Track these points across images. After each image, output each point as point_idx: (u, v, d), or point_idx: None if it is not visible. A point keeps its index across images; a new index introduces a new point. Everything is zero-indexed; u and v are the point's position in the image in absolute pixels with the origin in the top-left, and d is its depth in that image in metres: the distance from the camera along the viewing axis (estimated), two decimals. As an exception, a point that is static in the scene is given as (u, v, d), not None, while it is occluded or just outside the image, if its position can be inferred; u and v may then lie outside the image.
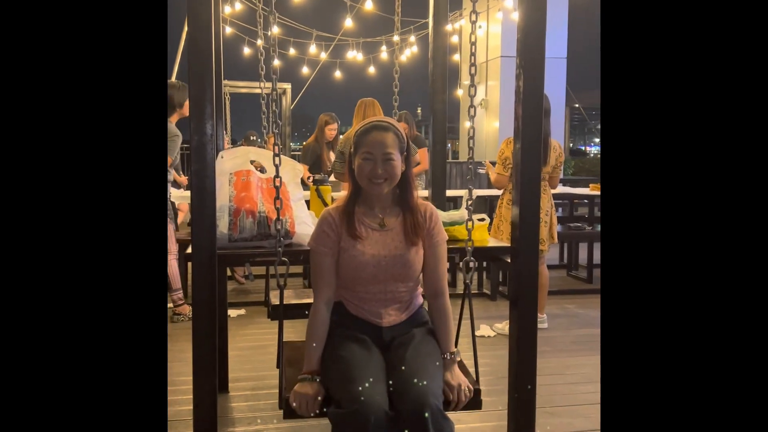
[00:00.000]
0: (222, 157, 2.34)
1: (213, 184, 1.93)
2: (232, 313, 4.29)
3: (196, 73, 1.87)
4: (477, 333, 3.89)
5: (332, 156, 5.64)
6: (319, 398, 1.74)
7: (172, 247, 4.03)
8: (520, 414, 2.15)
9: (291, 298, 3.03)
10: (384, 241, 1.86)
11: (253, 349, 3.57)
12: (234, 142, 9.21)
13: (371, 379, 1.67)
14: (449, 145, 11.85)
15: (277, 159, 1.92)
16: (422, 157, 4.61)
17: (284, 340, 1.97)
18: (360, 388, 1.63)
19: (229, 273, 5.16)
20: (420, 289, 1.99)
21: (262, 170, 2.54)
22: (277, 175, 1.90)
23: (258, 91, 9.45)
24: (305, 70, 8.80)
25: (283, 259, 1.91)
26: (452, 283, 5.27)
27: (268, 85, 1.96)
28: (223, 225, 2.19)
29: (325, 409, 1.73)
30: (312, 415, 1.74)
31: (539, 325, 3.97)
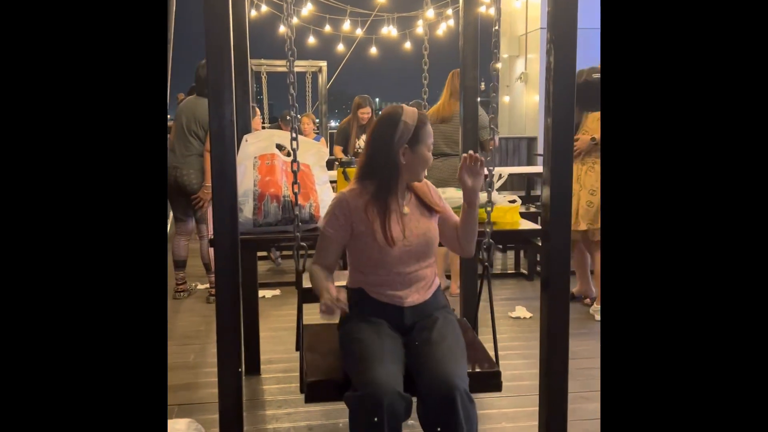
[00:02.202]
0: (246, 141, 2.31)
1: (233, 170, 1.90)
2: (267, 293, 4.31)
3: (213, 57, 1.83)
4: (512, 314, 3.82)
5: (362, 141, 5.56)
6: (341, 297, 1.70)
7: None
8: (551, 400, 2.09)
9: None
10: (405, 223, 1.88)
11: (286, 330, 3.58)
12: (274, 120, 9.22)
13: (385, 362, 1.70)
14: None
15: (294, 143, 1.89)
16: None
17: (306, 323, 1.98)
18: (373, 371, 1.66)
19: (265, 253, 5.19)
20: (436, 269, 2.01)
21: (290, 154, 2.51)
22: (294, 159, 1.87)
23: (296, 69, 9.46)
24: (341, 47, 8.72)
25: (302, 244, 1.91)
26: (489, 262, 5.19)
27: (298, 63, 1.91)
28: (247, 210, 2.17)
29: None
30: (342, 309, 1.69)
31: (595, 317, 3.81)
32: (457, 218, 1.98)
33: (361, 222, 1.84)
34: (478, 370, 1.86)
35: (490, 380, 1.87)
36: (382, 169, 1.85)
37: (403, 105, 1.89)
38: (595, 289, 4.01)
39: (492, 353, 1.96)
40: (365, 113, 5.48)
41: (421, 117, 1.86)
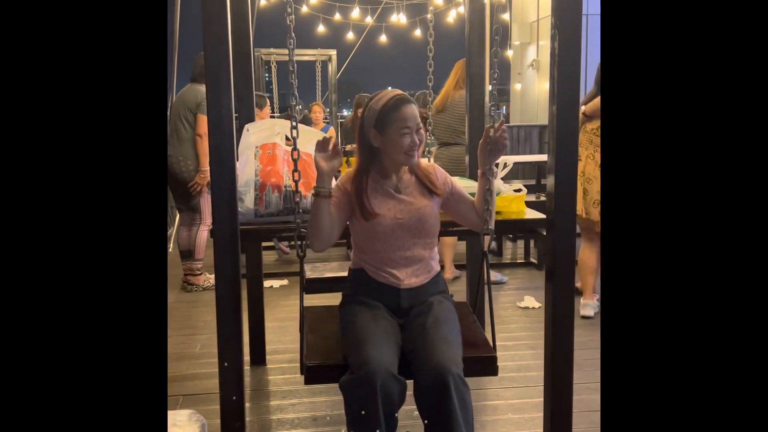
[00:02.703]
0: (248, 130, 2.29)
1: (232, 159, 1.88)
2: (275, 283, 4.31)
3: (211, 43, 1.81)
4: (521, 304, 3.79)
5: None
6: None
7: (208, 219, 4.07)
8: (556, 390, 2.07)
9: (327, 271, 3.00)
10: (399, 200, 1.90)
11: (293, 321, 3.57)
12: (284, 110, 9.19)
13: (378, 344, 1.71)
14: (503, 108, 11.51)
15: (294, 131, 1.87)
16: None
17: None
18: (366, 353, 1.66)
19: (273, 243, 5.17)
20: (438, 256, 2.02)
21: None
22: (294, 148, 1.85)
23: (306, 58, 9.26)
24: (350, 35, 8.65)
25: (303, 230, 1.89)
26: (498, 252, 5.15)
27: (307, 52, 1.90)
28: (249, 200, 2.15)
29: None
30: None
31: (590, 312, 3.53)
32: (469, 197, 2.00)
33: (352, 194, 1.89)
34: (474, 354, 1.86)
35: (486, 365, 1.87)
36: (360, 152, 1.93)
37: (388, 90, 1.90)
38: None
39: (496, 340, 1.94)
40: None
41: (390, 101, 1.84)
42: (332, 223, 1.84)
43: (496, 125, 1.86)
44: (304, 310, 1.96)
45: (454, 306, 1.96)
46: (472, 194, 2.21)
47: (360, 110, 5.47)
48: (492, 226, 1.95)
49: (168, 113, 5.15)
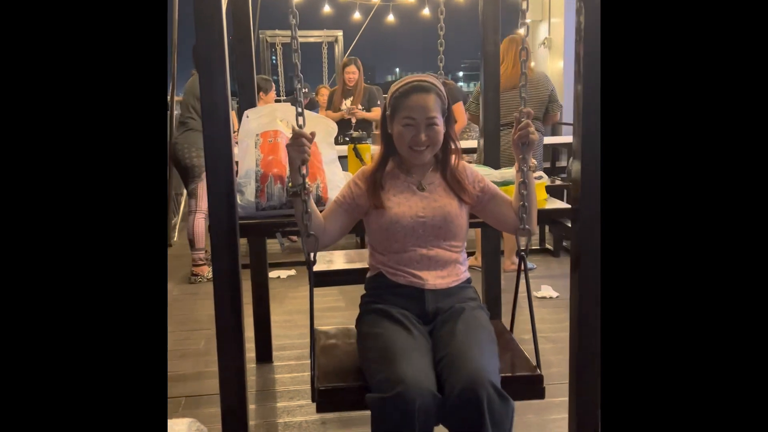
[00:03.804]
0: (247, 117, 2.14)
1: (228, 148, 1.73)
2: (282, 273, 4.18)
3: (203, 24, 1.65)
4: (538, 294, 3.63)
5: (347, 103, 5.18)
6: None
7: (203, 205, 3.99)
8: (582, 387, 1.93)
9: (337, 263, 2.87)
10: (422, 197, 1.73)
11: (301, 313, 3.45)
12: (291, 93, 9.03)
13: (413, 358, 1.49)
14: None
15: (300, 119, 1.69)
16: (457, 112, 4.09)
17: (321, 320, 1.82)
18: (403, 369, 1.44)
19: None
20: (467, 263, 1.82)
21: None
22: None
23: (312, 39, 9.07)
24: (357, 15, 8.41)
25: (311, 233, 1.68)
26: (513, 238, 4.99)
27: (313, 33, 1.73)
28: (249, 192, 2.00)
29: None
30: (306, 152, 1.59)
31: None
32: (505, 196, 1.80)
33: (366, 195, 1.75)
34: (512, 373, 1.66)
35: (529, 386, 1.66)
36: (381, 139, 1.79)
37: (421, 74, 1.75)
38: None
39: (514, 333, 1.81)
40: (350, 73, 5.13)
41: (404, 85, 1.69)
42: (324, 222, 1.70)
43: (522, 122, 1.66)
44: (314, 331, 1.76)
45: (488, 317, 1.75)
46: (503, 183, 2.03)
47: (347, 68, 5.20)
48: (529, 225, 1.73)
49: (170, 100, 5.04)
